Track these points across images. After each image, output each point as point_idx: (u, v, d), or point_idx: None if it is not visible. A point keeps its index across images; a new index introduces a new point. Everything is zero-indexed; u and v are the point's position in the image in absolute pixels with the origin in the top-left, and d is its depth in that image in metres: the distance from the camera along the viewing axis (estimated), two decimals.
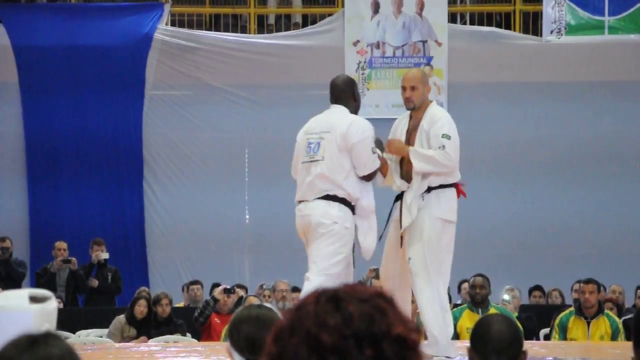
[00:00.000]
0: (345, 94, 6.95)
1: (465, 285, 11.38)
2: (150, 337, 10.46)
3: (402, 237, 6.97)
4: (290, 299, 11.63)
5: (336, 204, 6.74)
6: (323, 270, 6.75)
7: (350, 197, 6.75)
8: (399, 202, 6.99)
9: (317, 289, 1.82)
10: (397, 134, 7.07)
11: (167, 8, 15.28)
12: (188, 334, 10.81)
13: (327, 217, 6.74)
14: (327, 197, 6.75)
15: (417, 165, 6.84)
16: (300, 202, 6.95)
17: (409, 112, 7.08)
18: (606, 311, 10.10)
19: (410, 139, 6.96)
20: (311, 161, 6.82)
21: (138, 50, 14.87)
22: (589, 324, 9.90)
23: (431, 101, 7.11)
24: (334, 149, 6.73)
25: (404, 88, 6.98)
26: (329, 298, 1.78)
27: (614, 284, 12.13)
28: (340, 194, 6.74)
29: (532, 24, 15.37)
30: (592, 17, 14.70)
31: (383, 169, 6.97)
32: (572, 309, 10.18)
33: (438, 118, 6.96)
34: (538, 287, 13.02)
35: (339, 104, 6.95)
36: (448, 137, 6.87)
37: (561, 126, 14.93)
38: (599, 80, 14.76)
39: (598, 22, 14.69)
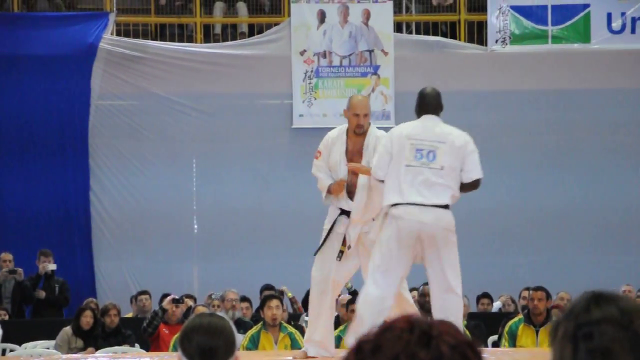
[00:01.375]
0: (440, 106, 7.18)
1: (414, 293, 11.41)
2: (98, 348, 10.36)
3: (342, 252, 7.42)
4: (239, 309, 11.59)
5: (450, 212, 6.94)
6: (459, 284, 6.97)
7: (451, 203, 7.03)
8: (343, 217, 7.40)
9: (410, 315, 1.83)
10: (334, 154, 7.44)
11: (112, 18, 15.19)
12: (136, 345, 10.74)
13: (451, 226, 6.92)
14: (445, 207, 6.89)
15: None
16: (406, 204, 6.89)
17: (342, 132, 7.50)
18: (554, 318, 10.17)
19: (352, 160, 7.38)
20: (425, 167, 6.89)
21: (83, 60, 14.76)
22: (537, 331, 9.98)
23: (369, 124, 7.55)
24: (451, 160, 6.90)
25: (358, 115, 7.38)
26: (423, 331, 1.79)
27: (562, 291, 12.24)
28: (450, 203, 6.94)
29: (477, 34, 15.51)
30: (536, 27, 14.87)
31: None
32: (520, 316, 10.24)
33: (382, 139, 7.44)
34: (486, 295, 13.12)
35: (435, 114, 7.13)
36: None
37: (507, 135, 15.08)
38: (543, 89, 14.94)
39: (542, 32, 14.87)
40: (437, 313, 6.94)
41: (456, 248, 6.92)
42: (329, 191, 7.40)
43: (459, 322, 7.25)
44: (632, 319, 2.01)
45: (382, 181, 7.01)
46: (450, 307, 6.92)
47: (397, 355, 1.76)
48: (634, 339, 2.00)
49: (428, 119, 7.09)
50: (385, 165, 6.99)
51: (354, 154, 7.42)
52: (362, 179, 7.36)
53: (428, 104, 7.11)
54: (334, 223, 7.39)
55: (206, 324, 3.74)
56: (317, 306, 7.53)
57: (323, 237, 7.48)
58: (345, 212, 7.39)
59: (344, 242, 7.39)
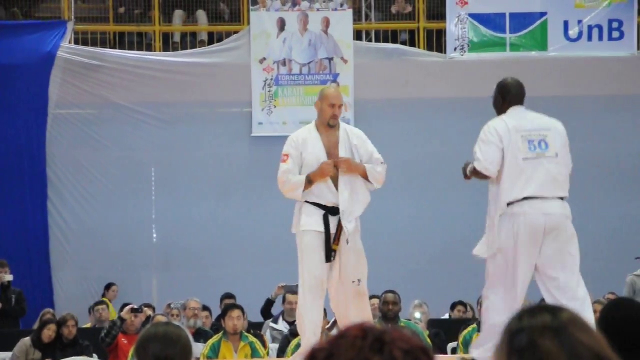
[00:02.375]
0: (524, 95, 6.93)
1: (375, 301, 11.41)
2: (55, 359, 10.28)
3: (334, 251, 7.21)
4: (201, 317, 11.55)
5: (567, 205, 6.75)
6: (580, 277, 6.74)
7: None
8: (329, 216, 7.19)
9: (363, 323, 1.85)
10: (310, 153, 7.23)
11: (71, 26, 15.10)
12: (95, 355, 10.66)
13: (570, 219, 6.71)
14: (562, 198, 6.70)
15: (375, 183, 7.30)
16: (532, 198, 6.60)
17: (312, 130, 7.36)
18: None
19: (331, 155, 7.24)
20: (540, 157, 6.65)
21: (41, 68, 14.66)
22: None
23: None
24: (561, 147, 6.73)
25: (334, 106, 7.28)
26: (376, 338, 1.81)
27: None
28: (566, 194, 6.76)
29: (437, 42, 15.57)
30: (495, 35, 14.96)
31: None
32: (474, 325, 10.25)
33: (364, 136, 7.42)
34: (462, 303, 13.10)
35: (522, 105, 6.89)
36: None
37: (466, 141, 15.07)
38: None
39: (500, 40, 14.96)
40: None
41: (576, 242, 6.69)
42: (310, 181, 7.13)
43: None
44: (565, 324, 2.03)
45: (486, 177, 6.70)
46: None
47: None
48: (569, 342, 2.01)
49: (520, 110, 6.82)
50: (499, 161, 6.66)
51: (330, 148, 7.29)
52: (345, 173, 7.21)
53: (515, 95, 6.83)
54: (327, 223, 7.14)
55: (162, 333, 3.73)
56: (316, 314, 7.27)
57: (308, 240, 7.21)
58: (328, 210, 7.18)
59: (334, 241, 7.16)
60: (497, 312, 6.58)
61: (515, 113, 6.79)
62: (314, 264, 7.24)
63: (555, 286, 6.69)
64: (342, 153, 7.24)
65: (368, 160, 7.30)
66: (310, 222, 7.22)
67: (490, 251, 6.72)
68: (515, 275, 6.60)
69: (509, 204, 6.61)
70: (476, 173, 6.79)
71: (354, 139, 7.33)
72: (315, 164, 7.18)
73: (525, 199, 6.58)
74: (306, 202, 7.26)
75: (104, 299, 13.56)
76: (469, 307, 12.96)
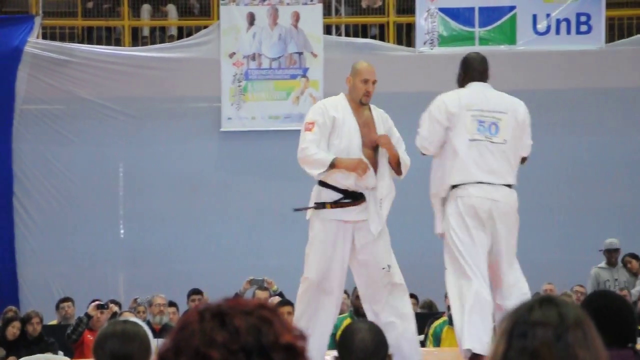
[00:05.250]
0: (487, 71, 6.65)
1: (344, 295, 11.40)
2: (19, 357, 10.20)
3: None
4: (167, 313, 11.52)
5: (514, 191, 6.50)
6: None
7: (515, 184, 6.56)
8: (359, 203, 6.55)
9: (197, 307, 1.82)
10: (342, 127, 6.55)
11: (38, 21, 15.00)
12: (61, 352, 10.60)
13: (515, 208, 6.48)
14: (509, 186, 6.44)
15: (404, 171, 6.78)
16: (477, 183, 6.37)
17: (342, 101, 6.68)
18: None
19: (365, 135, 6.61)
20: (487, 141, 6.38)
21: (8, 63, 14.55)
22: None
23: None
24: (512, 133, 6.43)
25: (367, 81, 6.68)
26: (213, 314, 1.78)
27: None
28: (513, 181, 6.50)
29: (406, 35, 15.57)
30: (464, 29, 14.97)
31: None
32: (445, 318, 10.26)
33: (390, 120, 6.85)
34: (412, 295, 13.10)
35: (483, 81, 6.59)
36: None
37: None
38: None
39: (469, 34, 14.98)
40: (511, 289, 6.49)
41: (516, 230, 6.50)
42: (333, 166, 6.43)
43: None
44: (568, 328, 2.03)
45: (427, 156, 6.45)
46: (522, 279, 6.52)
47: (197, 349, 1.74)
48: (565, 350, 2.01)
49: (481, 87, 6.52)
50: (438, 138, 6.41)
51: (364, 127, 6.62)
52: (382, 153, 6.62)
53: (475, 69, 6.55)
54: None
55: (120, 331, 3.72)
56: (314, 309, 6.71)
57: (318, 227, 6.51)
58: (349, 195, 6.52)
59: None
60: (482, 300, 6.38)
61: (474, 89, 6.52)
62: (321, 259, 6.58)
63: (503, 264, 6.57)
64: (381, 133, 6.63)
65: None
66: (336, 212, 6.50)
67: (443, 230, 6.53)
68: (471, 253, 6.37)
69: (453, 186, 6.40)
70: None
71: (388, 121, 6.77)
72: (346, 144, 6.51)
73: (470, 183, 6.34)
74: (325, 184, 6.55)
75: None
76: (419, 300, 12.97)
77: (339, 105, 6.66)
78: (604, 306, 3.81)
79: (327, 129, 6.58)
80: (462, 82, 6.62)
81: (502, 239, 6.45)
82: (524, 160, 6.64)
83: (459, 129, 6.34)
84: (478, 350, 6.32)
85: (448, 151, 6.43)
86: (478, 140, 6.33)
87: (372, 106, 6.79)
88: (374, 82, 6.74)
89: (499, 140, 6.36)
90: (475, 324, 6.36)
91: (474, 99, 6.44)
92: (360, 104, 6.69)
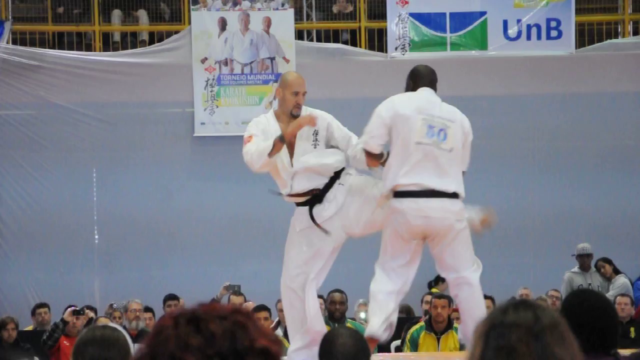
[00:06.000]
0: (436, 81, 6.62)
1: (320, 301, 11.39)
2: None
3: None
4: (143, 319, 11.49)
5: (458, 201, 6.37)
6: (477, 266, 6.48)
7: (461, 196, 6.44)
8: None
9: (172, 312, 1.81)
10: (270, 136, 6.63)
11: (8, 26, 14.91)
12: (36, 358, 10.54)
13: (457, 217, 6.34)
14: (453, 195, 6.32)
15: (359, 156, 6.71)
16: (414, 193, 6.30)
17: (269, 118, 6.76)
18: (455, 325, 10.25)
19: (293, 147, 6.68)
20: (434, 146, 6.30)
21: None
22: (439, 339, 10.03)
23: None
24: (460, 142, 6.38)
25: (298, 94, 6.74)
26: (188, 320, 1.78)
27: None
28: (459, 191, 6.37)
29: (378, 41, 15.64)
30: (435, 34, 15.06)
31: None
32: (422, 323, 10.28)
33: (327, 117, 6.86)
34: None
35: (432, 88, 6.56)
36: None
37: None
38: (442, 95, 15.05)
39: (440, 39, 15.06)
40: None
41: (466, 239, 6.40)
42: (282, 140, 6.53)
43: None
44: (544, 329, 2.05)
45: (375, 155, 6.37)
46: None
47: (172, 354, 1.75)
48: (542, 349, 2.04)
49: (428, 92, 6.50)
50: (382, 136, 6.36)
51: (291, 139, 6.64)
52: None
53: (424, 77, 6.54)
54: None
55: (99, 336, 3.72)
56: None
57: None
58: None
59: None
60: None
61: (425, 94, 6.50)
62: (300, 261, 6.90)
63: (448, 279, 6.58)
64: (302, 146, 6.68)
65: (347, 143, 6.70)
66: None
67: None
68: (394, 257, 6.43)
69: (392, 190, 6.34)
70: None
71: (324, 120, 6.78)
72: (274, 159, 6.60)
73: (406, 193, 6.28)
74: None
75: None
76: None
77: (267, 121, 6.74)
78: (588, 308, 3.76)
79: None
80: (413, 89, 6.62)
81: (444, 252, 6.41)
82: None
83: (406, 131, 6.30)
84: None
85: (392, 153, 6.40)
86: (424, 144, 6.29)
87: (306, 111, 6.77)
88: (304, 94, 6.78)
89: (446, 147, 6.33)
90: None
91: (426, 103, 6.44)
92: (291, 117, 6.70)
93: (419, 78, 6.56)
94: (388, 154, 6.47)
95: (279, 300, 11.72)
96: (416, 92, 6.51)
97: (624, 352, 3.96)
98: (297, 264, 6.80)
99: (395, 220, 6.32)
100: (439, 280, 12.62)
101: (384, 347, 10.72)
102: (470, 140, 6.50)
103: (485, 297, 9.75)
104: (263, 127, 6.70)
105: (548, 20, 14.94)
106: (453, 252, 6.39)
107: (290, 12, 15.17)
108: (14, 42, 15.13)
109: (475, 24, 14.98)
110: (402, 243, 6.42)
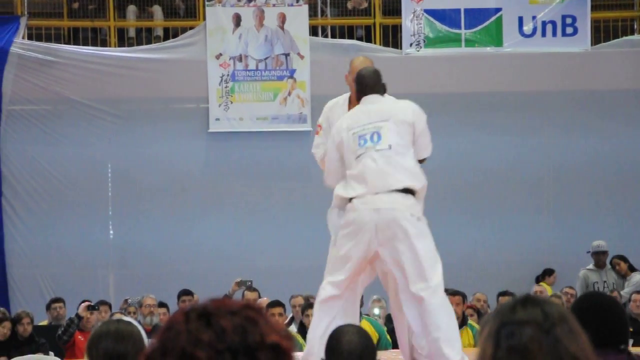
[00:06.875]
0: (379, 83, 6.63)
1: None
2: (10, 357, 10.17)
3: None
4: (157, 314, 11.53)
5: (411, 196, 6.30)
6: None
7: (417, 186, 6.37)
8: None
9: (183, 308, 1.82)
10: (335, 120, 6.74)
11: (24, 21, 14.95)
12: (51, 353, 10.59)
13: (411, 210, 6.25)
14: (404, 190, 6.26)
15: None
16: (363, 196, 6.29)
17: (344, 101, 6.88)
18: (469, 322, 10.23)
19: None
20: (369, 151, 6.34)
21: None
22: None
23: None
24: (400, 136, 6.37)
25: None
26: (199, 315, 1.78)
27: (478, 292, 12.33)
28: (411, 185, 6.31)
29: (392, 37, 15.62)
30: (450, 30, 15.03)
31: None
32: None
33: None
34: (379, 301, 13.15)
35: (375, 93, 6.59)
36: None
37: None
38: (457, 92, 15.09)
39: (455, 35, 15.04)
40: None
41: (426, 235, 6.26)
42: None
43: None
44: (554, 324, 2.06)
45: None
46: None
47: (183, 349, 1.75)
48: (554, 344, 2.04)
49: (368, 101, 6.55)
50: (335, 170, 6.52)
51: None
52: None
53: (366, 85, 6.56)
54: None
55: (113, 330, 3.72)
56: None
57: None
58: None
59: None
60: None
61: (359, 107, 6.57)
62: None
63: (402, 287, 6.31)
64: None
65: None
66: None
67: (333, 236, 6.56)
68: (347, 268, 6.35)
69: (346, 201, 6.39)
70: None
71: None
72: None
73: (357, 197, 6.32)
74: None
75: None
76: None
77: (340, 100, 6.89)
78: (594, 306, 3.81)
79: (328, 129, 6.81)
80: (359, 99, 6.67)
81: (397, 250, 6.25)
82: (423, 160, 6.56)
83: (346, 152, 6.46)
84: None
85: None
86: (361, 155, 6.37)
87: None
88: None
89: (383, 147, 6.35)
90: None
91: (356, 117, 6.51)
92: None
93: (362, 87, 6.62)
94: None
95: (293, 296, 11.77)
96: (353, 109, 6.63)
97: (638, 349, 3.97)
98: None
99: (346, 219, 6.33)
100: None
101: (396, 344, 10.72)
102: (423, 126, 6.48)
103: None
104: (329, 113, 6.86)
105: (563, 17, 14.90)
106: (409, 250, 6.21)
107: (304, 8, 15.17)
108: (30, 38, 15.17)
109: (491, 20, 14.95)
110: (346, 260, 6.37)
